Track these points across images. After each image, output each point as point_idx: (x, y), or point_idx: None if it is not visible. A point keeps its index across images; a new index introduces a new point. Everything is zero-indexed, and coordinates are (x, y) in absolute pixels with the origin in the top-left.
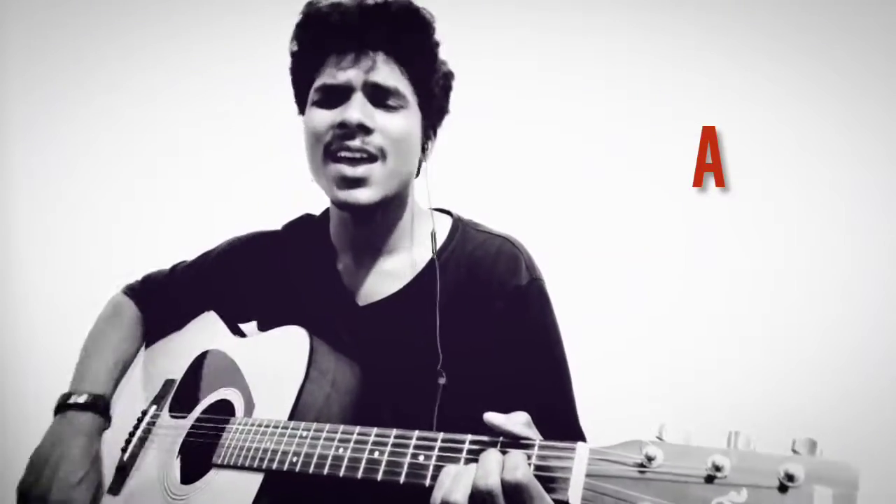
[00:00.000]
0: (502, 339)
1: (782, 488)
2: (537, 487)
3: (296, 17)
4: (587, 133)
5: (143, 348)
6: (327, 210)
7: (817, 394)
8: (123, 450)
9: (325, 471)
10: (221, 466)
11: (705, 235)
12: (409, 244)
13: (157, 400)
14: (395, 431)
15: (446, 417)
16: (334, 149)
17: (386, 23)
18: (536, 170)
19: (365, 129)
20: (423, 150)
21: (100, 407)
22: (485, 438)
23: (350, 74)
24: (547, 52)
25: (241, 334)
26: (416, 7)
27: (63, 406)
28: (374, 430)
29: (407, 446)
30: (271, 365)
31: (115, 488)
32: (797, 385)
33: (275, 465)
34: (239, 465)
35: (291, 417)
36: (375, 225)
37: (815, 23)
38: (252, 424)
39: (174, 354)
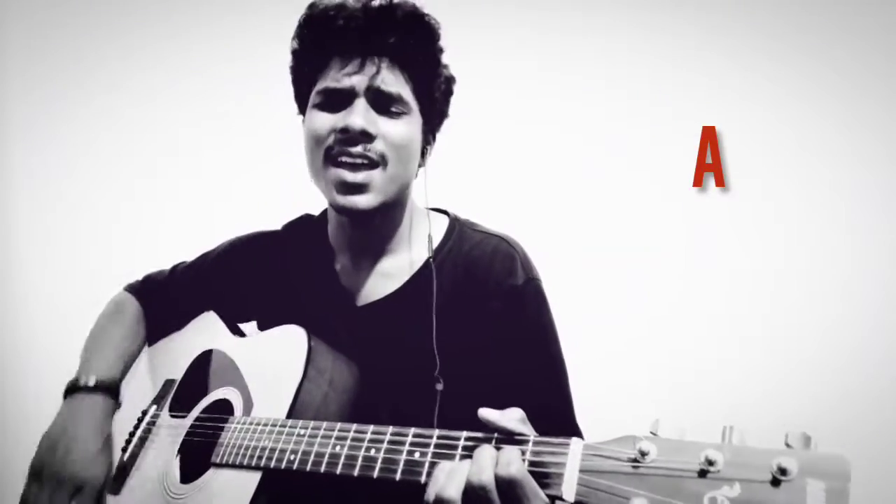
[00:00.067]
0: (499, 339)
1: (775, 482)
2: (531, 483)
3: (296, 17)
4: (587, 133)
5: (145, 347)
6: (326, 211)
7: (817, 394)
8: (123, 450)
9: (322, 468)
10: (220, 465)
11: (705, 235)
12: (407, 245)
13: (157, 400)
14: (391, 429)
15: (444, 417)
16: (335, 153)
17: (392, 29)
18: (537, 170)
19: (367, 136)
20: (423, 154)
21: (110, 389)
22: (479, 435)
23: (354, 80)
24: (547, 52)
25: (241, 334)
26: (421, 13)
27: (72, 389)
28: (371, 428)
29: (403, 443)
30: (270, 364)
31: (116, 488)
32: (797, 385)
33: (272, 464)
34: (237, 463)
35: (289, 416)
36: (373, 228)
37: (815, 23)
38: (250, 423)
39: (174, 354)
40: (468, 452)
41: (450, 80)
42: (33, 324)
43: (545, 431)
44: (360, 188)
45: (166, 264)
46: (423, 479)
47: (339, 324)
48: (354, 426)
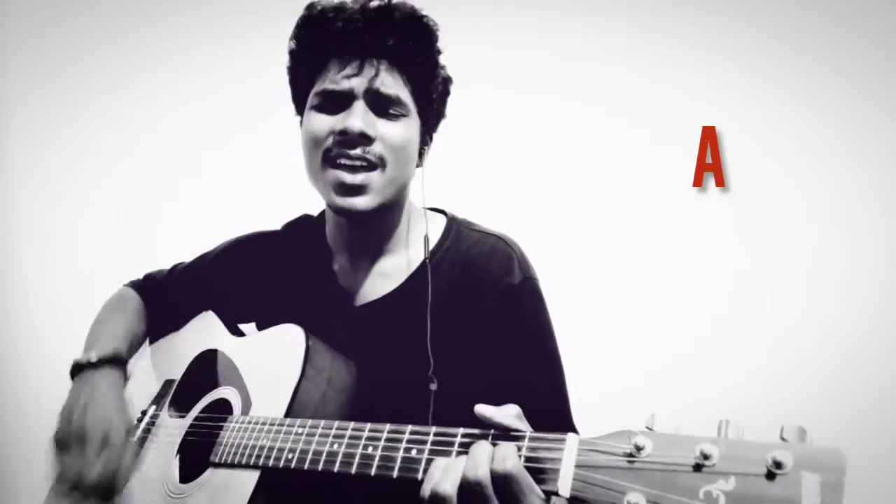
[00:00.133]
0: (496, 338)
1: (770, 475)
2: (527, 478)
3: (296, 18)
4: (587, 133)
5: (146, 343)
6: (324, 211)
7: (817, 394)
8: None
9: (320, 467)
10: (219, 465)
11: (705, 235)
12: (405, 245)
13: (157, 400)
14: (388, 426)
15: (441, 416)
16: (334, 155)
17: (390, 30)
18: (537, 170)
19: (366, 138)
20: (420, 155)
21: (113, 361)
22: (476, 431)
23: (353, 82)
24: (547, 52)
25: (240, 334)
26: (420, 15)
27: (76, 369)
28: (368, 426)
29: (400, 441)
30: (268, 363)
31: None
32: (797, 385)
33: (271, 462)
34: (236, 462)
35: (287, 415)
36: (371, 229)
37: (815, 23)
38: (248, 422)
39: (173, 354)
40: (464, 449)
41: (447, 81)
42: (33, 324)
43: (541, 431)
44: (358, 189)
45: (166, 264)
46: (420, 475)
47: (338, 324)
48: (352, 424)
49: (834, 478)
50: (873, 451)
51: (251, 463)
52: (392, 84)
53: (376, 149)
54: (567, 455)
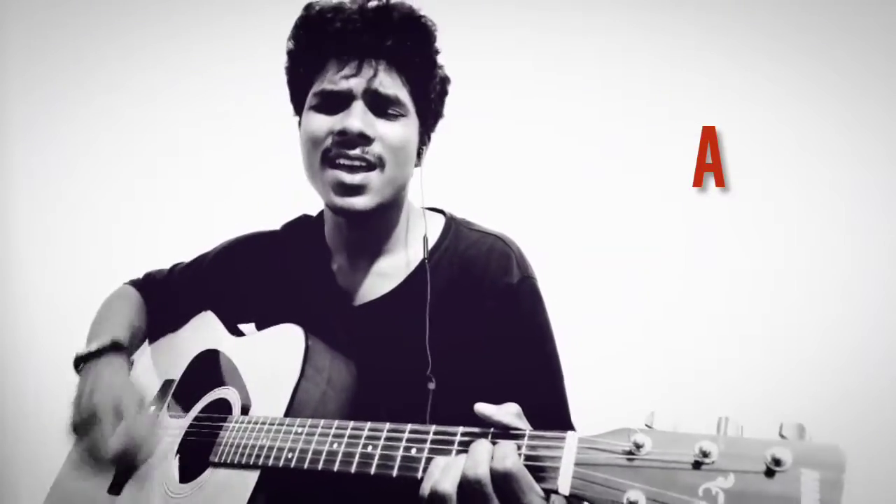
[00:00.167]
0: (494, 337)
1: (769, 472)
2: (526, 476)
3: (296, 18)
4: (587, 133)
5: (146, 342)
6: (323, 211)
7: (817, 394)
8: None
9: (320, 466)
10: (218, 465)
11: (705, 235)
12: (404, 245)
13: (157, 400)
14: (388, 425)
15: (440, 416)
16: (333, 155)
17: (389, 31)
18: (537, 170)
19: (365, 139)
20: (419, 154)
21: (114, 347)
22: (476, 430)
23: (352, 82)
24: (546, 52)
25: (240, 334)
26: (418, 15)
27: (78, 361)
28: (368, 425)
29: (399, 440)
30: (267, 363)
31: (115, 489)
32: (797, 385)
33: (270, 462)
34: (235, 462)
35: (287, 415)
36: (370, 228)
37: (815, 23)
38: (248, 422)
39: (173, 354)
40: (464, 448)
41: (445, 81)
42: (33, 324)
43: (539, 429)
44: (357, 189)
45: (166, 264)
46: (419, 474)
47: (337, 324)
48: (351, 423)
49: (833, 475)
50: (873, 452)
51: (251, 462)
52: (391, 84)
53: (375, 149)
54: (567, 453)
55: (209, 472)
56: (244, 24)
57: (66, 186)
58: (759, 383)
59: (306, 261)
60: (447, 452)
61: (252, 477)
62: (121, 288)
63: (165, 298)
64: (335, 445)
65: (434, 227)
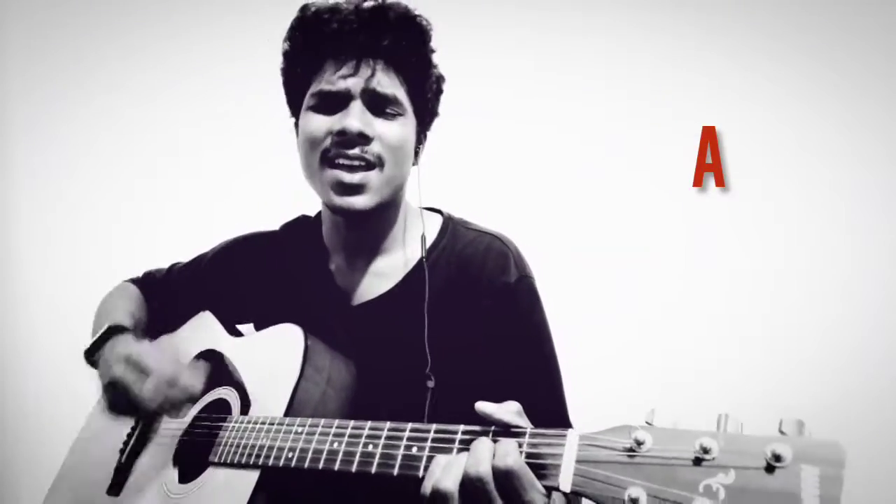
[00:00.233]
0: (492, 336)
1: (769, 469)
2: (528, 474)
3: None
4: (587, 133)
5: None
6: (321, 211)
7: (817, 394)
8: (122, 451)
9: (321, 465)
10: (218, 465)
11: (705, 235)
12: (401, 244)
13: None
14: (388, 424)
15: (439, 415)
16: (332, 155)
17: (385, 30)
18: (537, 170)
19: (364, 138)
20: (416, 153)
21: (117, 330)
22: (477, 428)
23: (350, 82)
24: (546, 51)
25: (238, 334)
26: (413, 14)
27: (88, 354)
28: (368, 424)
29: (400, 438)
30: (267, 363)
31: (115, 489)
32: (797, 385)
33: (270, 462)
34: (235, 462)
35: (287, 414)
36: (368, 228)
37: (815, 23)
38: (247, 422)
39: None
40: (465, 446)
41: (440, 80)
42: (33, 324)
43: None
44: (357, 189)
45: (166, 264)
46: (420, 473)
47: (335, 324)
48: (352, 423)
49: (833, 471)
50: (873, 451)
51: (251, 462)
52: (388, 84)
53: (374, 148)
54: (568, 450)
55: (209, 472)
56: (244, 24)
57: (66, 186)
58: (760, 383)
59: (305, 261)
60: (448, 451)
61: (252, 477)
62: (121, 284)
63: (164, 298)
64: (336, 445)
65: (431, 227)
